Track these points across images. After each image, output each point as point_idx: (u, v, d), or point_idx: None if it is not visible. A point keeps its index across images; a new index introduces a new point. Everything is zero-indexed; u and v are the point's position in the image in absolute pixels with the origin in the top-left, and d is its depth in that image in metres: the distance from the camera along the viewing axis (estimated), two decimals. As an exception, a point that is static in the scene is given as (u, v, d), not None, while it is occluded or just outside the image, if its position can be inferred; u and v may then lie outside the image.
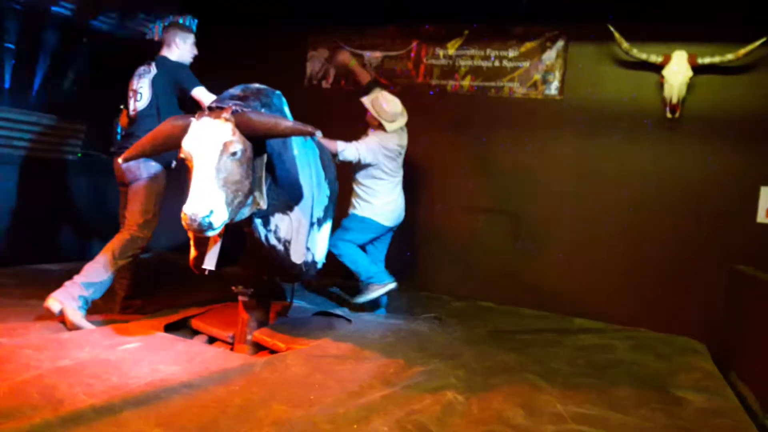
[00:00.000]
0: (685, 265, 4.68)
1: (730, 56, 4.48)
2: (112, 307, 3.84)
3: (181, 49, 3.91)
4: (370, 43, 5.68)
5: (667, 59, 4.61)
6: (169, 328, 3.63)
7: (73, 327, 3.34)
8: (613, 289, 4.86)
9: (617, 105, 4.92)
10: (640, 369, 3.57)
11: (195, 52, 4.01)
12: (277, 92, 3.26)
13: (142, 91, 3.79)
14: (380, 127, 4.29)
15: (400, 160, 4.42)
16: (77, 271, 3.51)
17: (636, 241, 4.83)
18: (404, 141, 4.42)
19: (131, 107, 3.84)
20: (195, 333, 3.76)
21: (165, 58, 3.87)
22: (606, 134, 4.95)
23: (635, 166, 4.86)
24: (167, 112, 3.60)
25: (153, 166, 3.72)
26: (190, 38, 3.97)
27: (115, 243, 3.63)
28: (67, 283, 3.44)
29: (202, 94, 3.71)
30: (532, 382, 3.11)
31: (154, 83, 3.77)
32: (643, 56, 4.69)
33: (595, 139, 4.99)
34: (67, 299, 3.37)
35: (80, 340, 3.12)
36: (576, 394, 2.98)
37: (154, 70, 3.81)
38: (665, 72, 4.62)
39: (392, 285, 4.32)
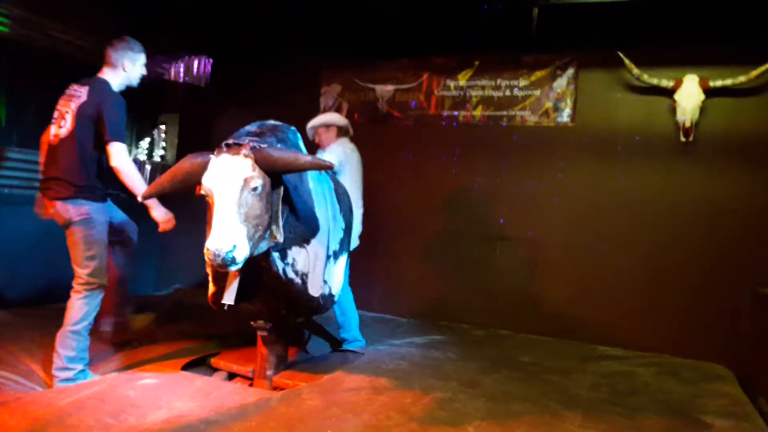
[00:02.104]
0: (705, 289, 4.61)
1: (742, 78, 4.47)
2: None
3: (129, 71, 3.40)
4: (381, 77, 5.76)
5: (679, 83, 4.62)
6: (188, 367, 3.62)
7: None
8: (634, 314, 4.78)
9: (630, 130, 4.92)
10: (665, 396, 3.51)
11: (143, 72, 3.52)
12: (292, 128, 3.31)
13: (67, 116, 3.24)
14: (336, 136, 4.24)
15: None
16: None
17: (655, 265, 4.77)
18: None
19: (53, 131, 3.29)
20: (214, 370, 3.76)
21: (104, 84, 3.31)
22: (620, 159, 4.94)
23: (651, 191, 4.83)
24: (86, 148, 3.21)
25: (85, 205, 3.21)
26: (141, 58, 3.46)
27: (74, 311, 3.15)
28: (55, 359, 3.11)
29: (118, 151, 3.19)
30: (555, 410, 3.06)
31: (81, 111, 3.21)
32: (654, 81, 4.71)
33: (610, 165, 4.98)
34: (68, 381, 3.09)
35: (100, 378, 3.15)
36: (600, 422, 2.93)
37: (84, 95, 3.24)
38: (677, 96, 4.63)
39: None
